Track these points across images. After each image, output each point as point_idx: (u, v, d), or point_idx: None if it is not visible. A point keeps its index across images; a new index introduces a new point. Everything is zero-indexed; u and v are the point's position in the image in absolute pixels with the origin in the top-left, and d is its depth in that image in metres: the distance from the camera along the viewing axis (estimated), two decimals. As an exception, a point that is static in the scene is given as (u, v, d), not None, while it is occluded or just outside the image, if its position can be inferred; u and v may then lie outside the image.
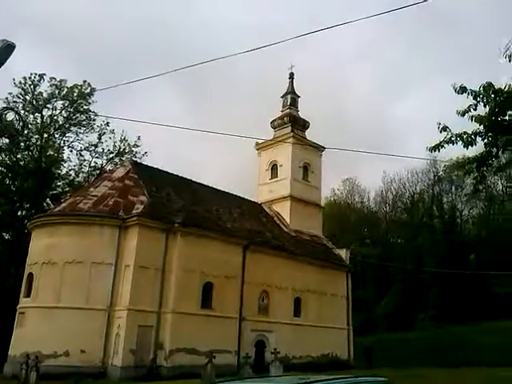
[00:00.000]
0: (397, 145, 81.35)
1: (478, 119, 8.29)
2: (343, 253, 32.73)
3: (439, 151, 8.97)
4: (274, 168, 34.87)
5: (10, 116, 8.38)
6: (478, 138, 8.37)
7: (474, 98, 8.12)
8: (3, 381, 18.64)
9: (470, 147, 8.75)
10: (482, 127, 8.34)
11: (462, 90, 8.37)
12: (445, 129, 8.69)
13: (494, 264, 41.48)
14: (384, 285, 50.07)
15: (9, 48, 8.75)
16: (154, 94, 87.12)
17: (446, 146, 8.88)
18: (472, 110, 8.13)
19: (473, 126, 8.62)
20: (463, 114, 8.32)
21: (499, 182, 50.05)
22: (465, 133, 8.62)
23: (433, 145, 8.96)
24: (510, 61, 8.11)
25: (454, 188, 54.21)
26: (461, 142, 8.66)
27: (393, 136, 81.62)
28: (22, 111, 38.08)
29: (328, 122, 66.55)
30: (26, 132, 37.83)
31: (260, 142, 36.15)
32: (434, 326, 40.30)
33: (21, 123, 8.26)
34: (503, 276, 42.95)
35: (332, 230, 47.56)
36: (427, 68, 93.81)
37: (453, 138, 8.67)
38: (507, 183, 50.17)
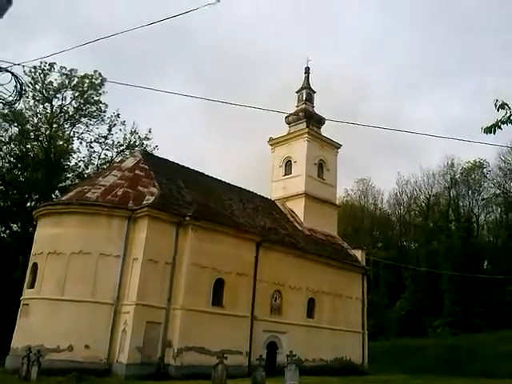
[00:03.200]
0: (414, 148, 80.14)
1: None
2: (359, 254, 31.52)
3: (494, 133, 7.82)
4: (288, 164, 33.82)
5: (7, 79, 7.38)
6: None
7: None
8: (3, 375, 17.71)
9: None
10: None
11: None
12: (503, 106, 7.53)
13: (508, 272, 40.13)
14: (397, 289, 48.81)
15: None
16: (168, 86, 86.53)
17: (503, 126, 7.76)
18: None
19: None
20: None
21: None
22: None
23: (488, 125, 7.82)
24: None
25: (470, 192, 52.83)
26: None
27: (409, 140, 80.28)
28: (32, 101, 37.60)
29: (344, 121, 65.28)
30: (35, 122, 37.37)
31: (274, 137, 35.23)
32: (450, 332, 38.99)
33: (18, 87, 7.25)
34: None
35: (344, 231, 46.37)
36: (444, 69, 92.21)
37: None
38: None
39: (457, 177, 53.44)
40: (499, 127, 7.54)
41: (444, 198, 54.79)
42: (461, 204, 53.79)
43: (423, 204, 56.54)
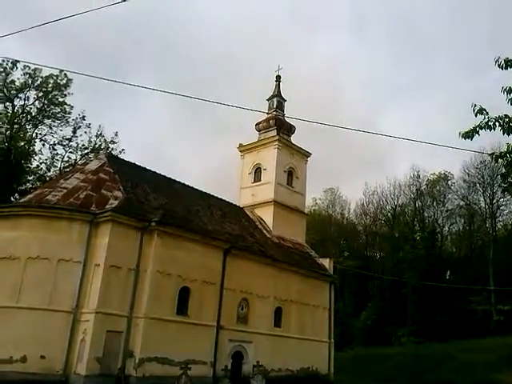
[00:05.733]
0: (385, 158, 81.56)
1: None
2: (326, 262, 31.37)
3: (471, 139, 7.74)
4: (257, 171, 33.53)
5: None
6: None
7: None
8: None
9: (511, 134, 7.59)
10: None
11: (509, 64, 7.20)
12: (481, 112, 7.45)
13: (469, 282, 41.09)
14: (362, 298, 49.16)
15: None
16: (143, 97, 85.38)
17: (481, 131, 7.67)
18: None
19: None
20: (510, 92, 7.15)
21: (481, 199, 49.89)
22: (506, 116, 7.42)
23: (466, 130, 7.73)
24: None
25: (435, 203, 54.02)
26: (499, 127, 7.46)
27: (378, 151, 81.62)
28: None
29: (315, 130, 65.62)
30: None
31: (244, 143, 34.96)
32: (414, 341, 39.34)
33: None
34: (481, 293, 42.68)
35: (312, 240, 46.42)
36: (414, 82, 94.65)
37: (490, 123, 7.46)
38: None
39: (422, 188, 54.72)
40: (477, 132, 7.46)
41: (409, 208, 55.85)
42: (426, 215, 54.98)
43: (389, 214, 57.45)
